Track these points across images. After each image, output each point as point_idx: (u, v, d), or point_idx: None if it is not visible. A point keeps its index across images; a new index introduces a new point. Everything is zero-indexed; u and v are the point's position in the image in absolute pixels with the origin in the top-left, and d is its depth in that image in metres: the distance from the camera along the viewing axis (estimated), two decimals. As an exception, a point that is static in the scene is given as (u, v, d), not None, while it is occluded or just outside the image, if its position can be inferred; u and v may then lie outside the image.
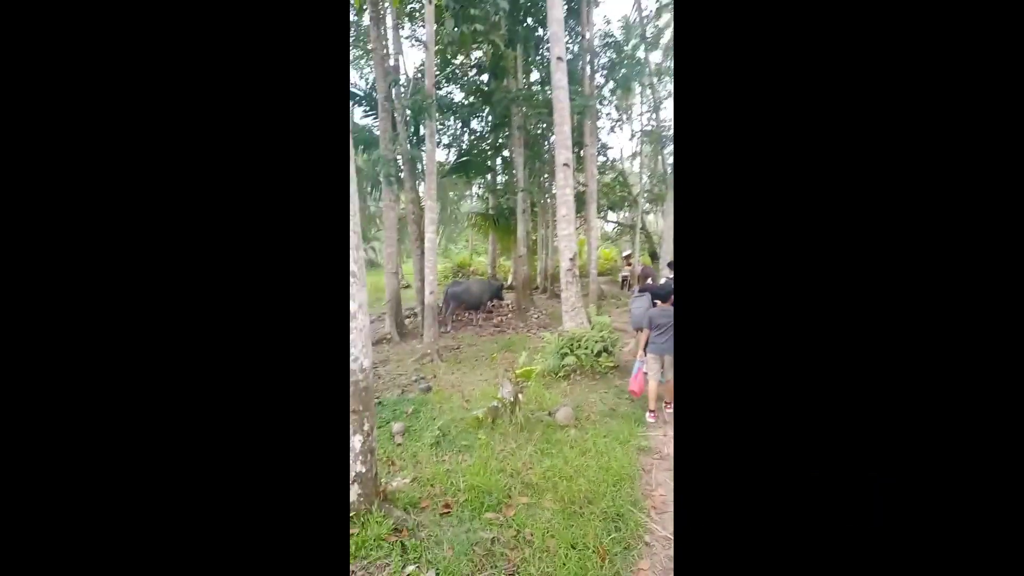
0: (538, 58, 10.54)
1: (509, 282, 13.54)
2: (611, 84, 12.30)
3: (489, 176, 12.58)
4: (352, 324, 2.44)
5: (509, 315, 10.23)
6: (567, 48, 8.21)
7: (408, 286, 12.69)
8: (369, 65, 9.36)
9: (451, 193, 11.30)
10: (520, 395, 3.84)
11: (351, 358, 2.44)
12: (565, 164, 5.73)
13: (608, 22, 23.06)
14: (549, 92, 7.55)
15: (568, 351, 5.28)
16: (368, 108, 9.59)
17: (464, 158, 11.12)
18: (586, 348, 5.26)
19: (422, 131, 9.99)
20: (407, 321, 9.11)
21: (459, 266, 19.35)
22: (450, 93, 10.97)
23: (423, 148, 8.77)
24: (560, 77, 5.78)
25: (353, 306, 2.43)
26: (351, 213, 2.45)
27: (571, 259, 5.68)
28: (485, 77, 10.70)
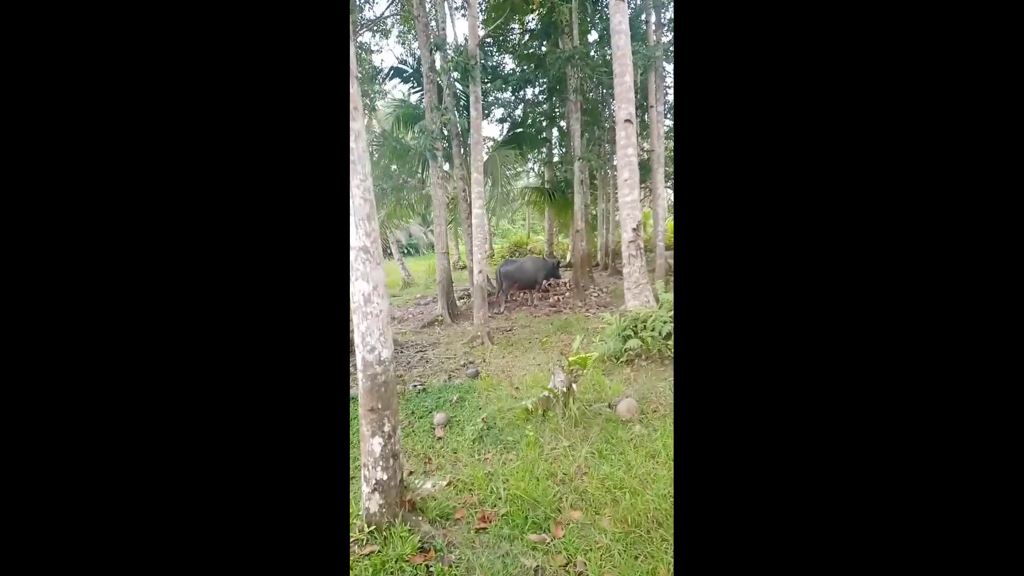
0: (597, 19, 9.56)
1: (568, 260, 12.93)
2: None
3: (545, 149, 11.90)
4: (367, 309, 2.07)
5: (566, 294, 9.68)
6: (629, 2, 7.24)
7: (465, 267, 12.49)
8: (417, 39, 9.03)
9: (506, 169, 10.78)
10: (574, 385, 3.34)
11: (368, 348, 2.08)
12: (627, 120, 5.00)
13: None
14: (608, 52, 6.63)
15: (631, 333, 4.67)
16: (416, 84, 9.30)
17: (517, 130, 10.53)
18: (652, 329, 4.62)
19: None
20: (460, 302, 8.88)
21: (516, 245, 18.96)
22: (501, 63, 10.35)
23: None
24: (620, 19, 5.01)
25: (367, 287, 2.06)
26: (364, 178, 2.06)
27: (634, 229, 5.00)
28: (539, 45, 9.98)
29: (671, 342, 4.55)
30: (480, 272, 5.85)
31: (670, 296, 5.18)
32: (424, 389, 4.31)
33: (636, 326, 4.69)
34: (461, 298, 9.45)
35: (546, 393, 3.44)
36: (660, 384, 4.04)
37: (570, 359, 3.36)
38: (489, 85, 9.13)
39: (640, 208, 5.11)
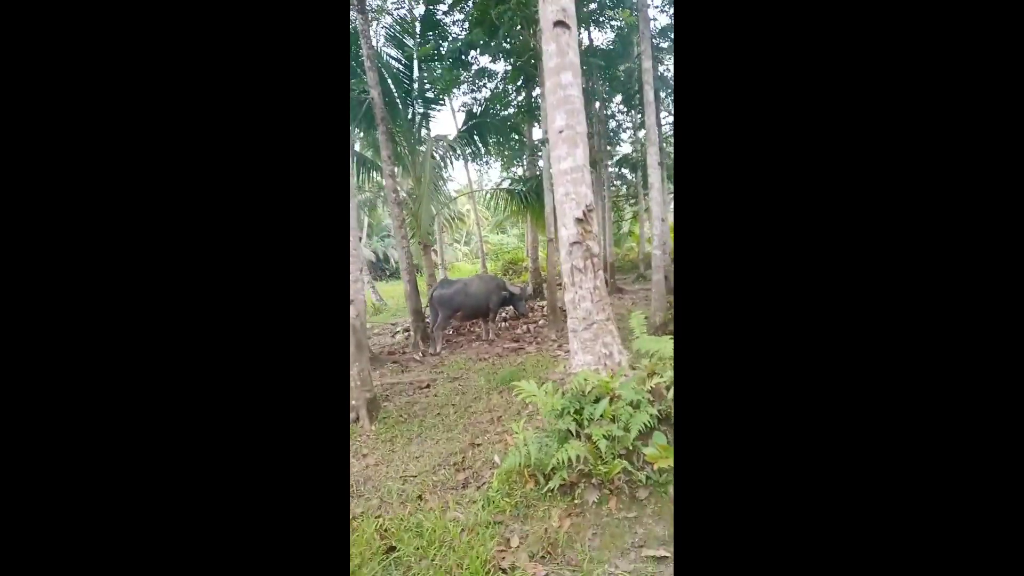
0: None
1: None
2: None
3: (517, 143, 9.65)
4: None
5: (540, 321, 7.34)
6: None
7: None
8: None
9: (441, 164, 8.46)
10: None
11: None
12: (559, 23, 2.74)
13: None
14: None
15: (574, 426, 2.32)
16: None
17: (475, 120, 8.38)
18: (614, 420, 2.26)
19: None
20: (402, 336, 6.67)
21: (512, 263, 16.68)
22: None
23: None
24: None
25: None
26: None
27: (578, 220, 2.68)
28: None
29: (653, 451, 2.15)
30: (351, 301, 3.60)
31: (662, 343, 2.80)
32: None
33: (583, 412, 2.33)
34: (403, 331, 7.24)
35: None
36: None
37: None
38: (427, 48, 7.04)
39: (588, 184, 2.78)
